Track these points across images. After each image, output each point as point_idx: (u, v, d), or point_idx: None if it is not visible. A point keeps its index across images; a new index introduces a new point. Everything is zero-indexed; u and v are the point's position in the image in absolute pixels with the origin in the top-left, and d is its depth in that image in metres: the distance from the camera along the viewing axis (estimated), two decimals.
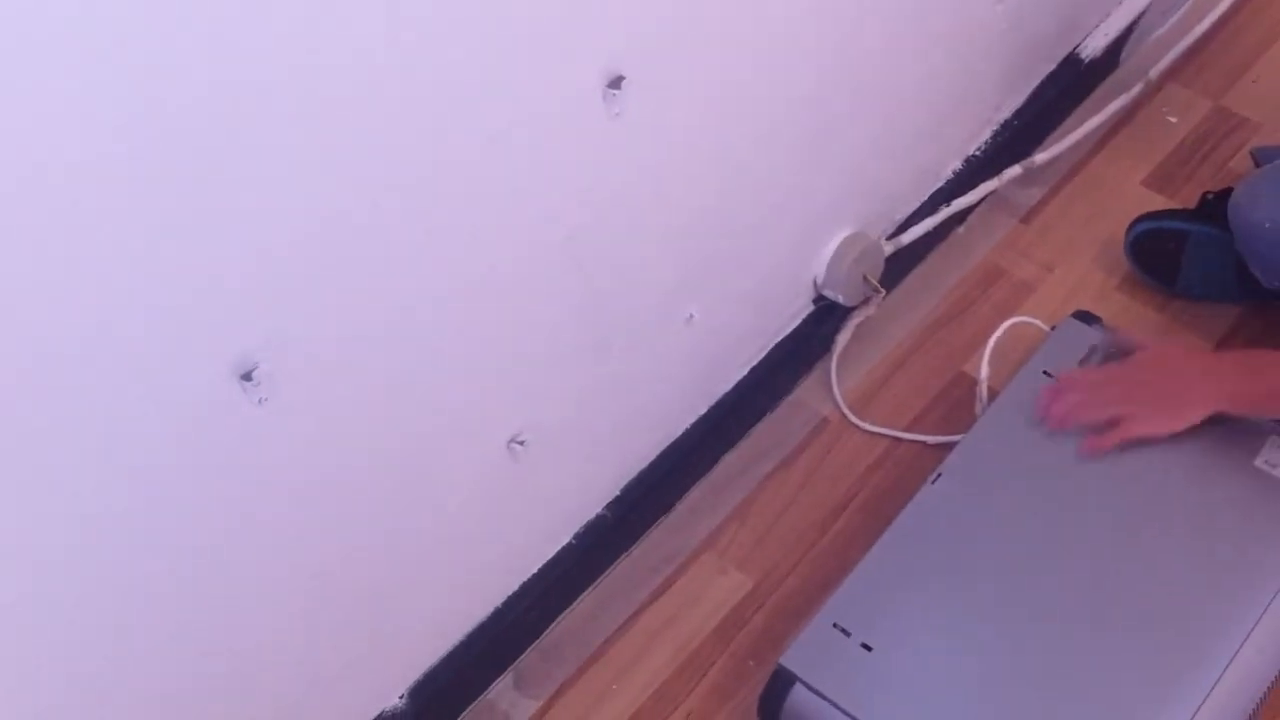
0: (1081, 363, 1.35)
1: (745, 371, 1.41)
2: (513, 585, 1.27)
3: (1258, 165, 1.56)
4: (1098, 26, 1.67)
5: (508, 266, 1.02)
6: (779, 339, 1.44)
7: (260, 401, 0.86)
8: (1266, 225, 1.35)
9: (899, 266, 1.53)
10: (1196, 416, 1.20)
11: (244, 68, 0.72)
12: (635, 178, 1.09)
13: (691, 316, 1.28)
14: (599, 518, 1.31)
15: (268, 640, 1.01)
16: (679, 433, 1.37)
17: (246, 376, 0.84)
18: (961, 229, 1.60)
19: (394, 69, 0.81)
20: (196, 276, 0.77)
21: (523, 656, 1.32)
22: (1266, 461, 1.25)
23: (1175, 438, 1.24)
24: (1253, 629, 1.16)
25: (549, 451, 1.18)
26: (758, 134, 1.21)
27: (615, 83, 1.01)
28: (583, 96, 0.99)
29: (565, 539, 1.29)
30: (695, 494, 1.42)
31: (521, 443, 1.14)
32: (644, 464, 1.34)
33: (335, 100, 0.79)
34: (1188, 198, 1.55)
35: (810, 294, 1.45)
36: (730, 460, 1.44)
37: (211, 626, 0.95)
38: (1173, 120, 1.69)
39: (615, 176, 1.07)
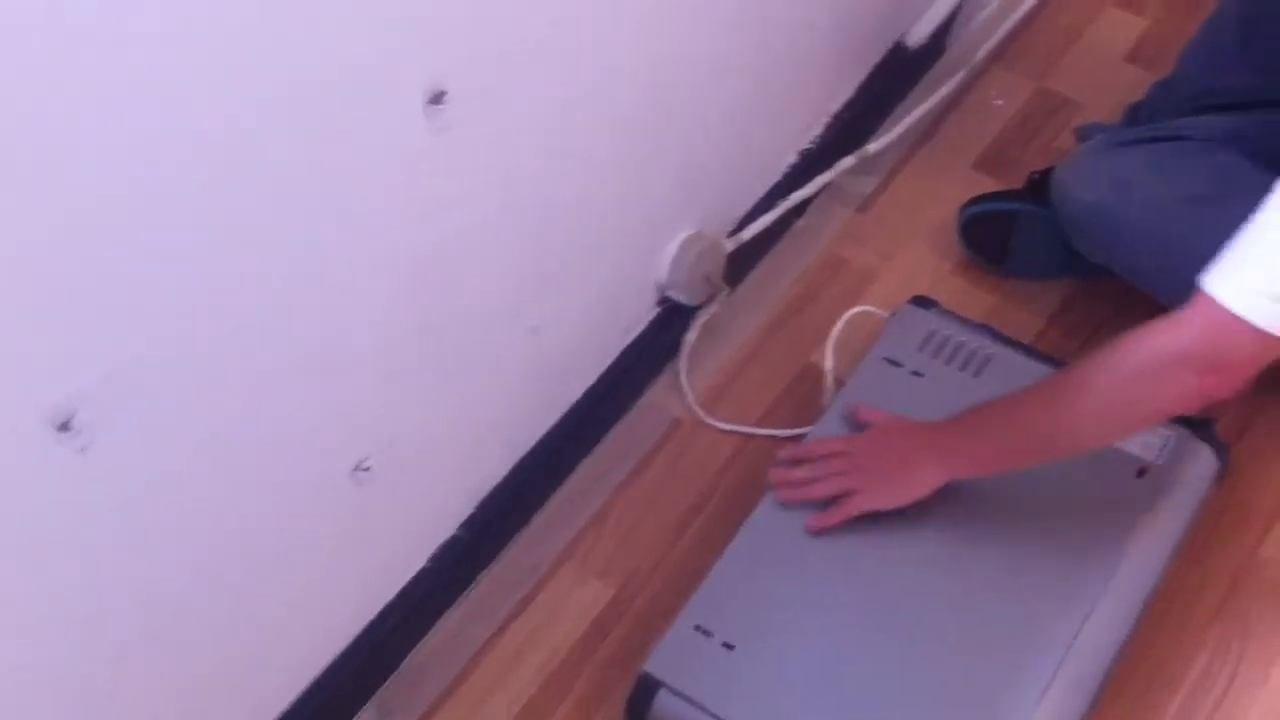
0: (920, 348, 1.40)
1: (594, 378, 1.43)
2: (369, 615, 1.26)
3: (1082, 141, 1.63)
4: (922, 14, 1.73)
5: (342, 288, 1.02)
6: (626, 343, 1.46)
7: (82, 450, 0.85)
8: (1086, 201, 1.42)
9: (742, 262, 1.57)
10: (924, 489, 1.23)
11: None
12: (467, 192, 1.10)
13: (535, 327, 1.29)
14: (454, 538, 1.32)
15: (101, 689, 0.99)
16: (531, 445, 1.38)
17: (64, 427, 0.83)
18: (801, 221, 1.65)
19: (210, 92, 0.81)
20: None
21: (385, 686, 1.32)
22: None
23: None
24: (1097, 602, 1.22)
25: (397, 475, 1.18)
26: (589, 141, 1.23)
27: (437, 98, 1.01)
28: (405, 114, 0.99)
29: (420, 563, 1.29)
30: (552, 505, 1.43)
31: (367, 469, 1.14)
32: (497, 479, 1.35)
33: (151, 129, 0.78)
34: (1017, 179, 1.62)
35: (654, 296, 1.47)
36: (585, 468, 1.46)
37: (34, 682, 0.93)
38: (999, 103, 1.76)
39: (447, 191, 1.08)
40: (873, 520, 1.26)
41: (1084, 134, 1.65)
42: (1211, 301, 1.04)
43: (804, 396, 1.49)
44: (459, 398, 1.23)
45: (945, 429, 1.24)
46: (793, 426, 1.46)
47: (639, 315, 1.47)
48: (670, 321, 1.50)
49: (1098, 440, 1.21)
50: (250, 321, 0.94)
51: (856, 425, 1.34)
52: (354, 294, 1.03)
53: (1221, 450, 1.33)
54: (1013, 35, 1.81)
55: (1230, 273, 1.05)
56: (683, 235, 1.45)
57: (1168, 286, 1.41)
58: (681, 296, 1.48)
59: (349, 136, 0.95)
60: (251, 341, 0.95)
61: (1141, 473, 1.29)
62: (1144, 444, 1.30)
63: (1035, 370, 1.37)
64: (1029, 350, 1.42)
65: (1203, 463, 1.31)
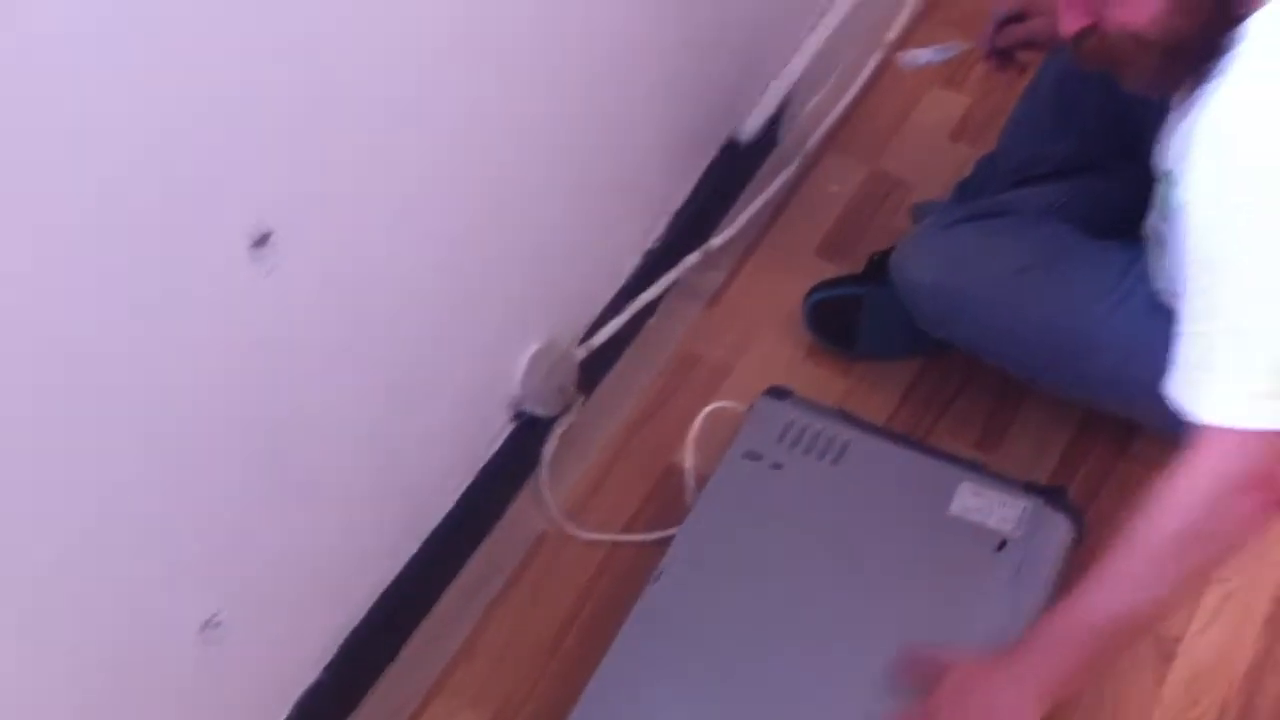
0: (779, 439, 1.42)
1: (453, 501, 1.42)
2: None
3: (918, 221, 1.69)
4: (752, 108, 1.78)
5: (176, 441, 1.00)
6: (483, 462, 1.45)
7: None
8: (924, 282, 1.47)
9: (595, 368, 1.58)
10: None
11: None
12: (302, 330, 1.10)
13: (391, 454, 1.28)
14: (317, 683, 1.28)
15: None
16: (392, 577, 1.36)
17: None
18: (651, 322, 1.67)
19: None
20: None
21: None
22: (961, 509, 1.35)
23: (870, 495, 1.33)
24: None
25: (250, 625, 1.15)
26: (427, 266, 1.23)
27: (262, 240, 1.01)
28: (229, 257, 0.99)
29: (282, 714, 1.26)
30: (419, 637, 1.41)
31: (217, 624, 1.11)
32: (359, 617, 1.33)
33: None
34: (859, 262, 1.67)
35: (509, 412, 1.47)
36: (451, 594, 1.44)
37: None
38: (835, 189, 1.81)
39: (279, 331, 1.07)
40: (743, 616, 1.27)
41: (918, 213, 1.71)
42: (1210, 429, 1.06)
43: (668, 498, 1.50)
44: (311, 536, 1.21)
45: (1023, 657, 1.14)
46: (659, 529, 1.46)
47: (495, 432, 1.47)
48: (527, 435, 1.50)
49: (1180, 599, 1.19)
50: (88, 478, 0.92)
51: (923, 677, 1.21)
52: (189, 440, 1.02)
53: (1077, 516, 1.37)
54: (842, 122, 1.87)
55: (1210, 391, 1.07)
56: (533, 348, 1.46)
57: (1012, 357, 1.47)
58: (537, 409, 1.49)
59: (172, 283, 0.94)
60: (87, 500, 0.93)
61: (1001, 546, 1.32)
62: (1001, 518, 1.34)
63: (892, 452, 1.41)
64: (884, 432, 1.46)
65: (1060, 530, 1.35)
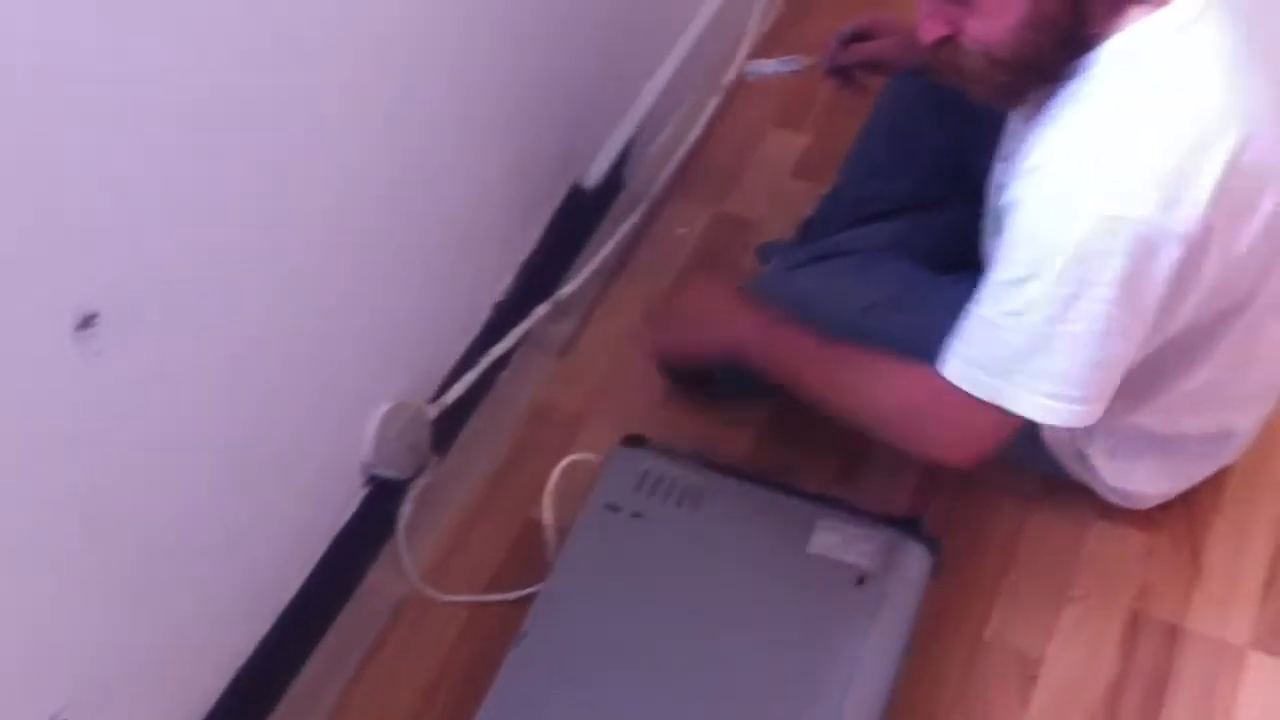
0: (636, 488, 1.42)
1: (307, 574, 1.39)
2: None
3: (764, 262, 1.71)
4: (595, 155, 1.78)
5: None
6: (337, 530, 1.42)
7: None
8: None
9: (449, 426, 1.56)
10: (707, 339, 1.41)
11: None
12: (131, 413, 1.06)
13: (233, 534, 1.24)
14: None
15: None
16: (247, 656, 1.32)
17: None
18: (504, 375, 1.66)
19: None
20: None
21: None
22: (820, 546, 1.37)
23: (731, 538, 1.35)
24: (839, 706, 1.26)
25: None
26: (264, 337, 1.21)
27: (87, 322, 0.98)
28: (51, 340, 0.96)
29: None
30: (278, 717, 1.37)
31: None
32: (212, 701, 1.29)
33: None
34: None
35: (361, 478, 1.44)
36: (311, 669, 1.41)
37: None
38: (682, 232, 1.83)
39: (106, 417, 1.04)
40: (611, 669, 1.27)
41: (764, 254, 1.73)
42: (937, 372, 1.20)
43: (529, 554, 1.49)
44: (147, 629, 1.16)
45: (753, 319, 1.37)
46: (522, 587, 1.45)
47: (346, 500, 1.44)
48: (382, 499, 1.47)
49: (819, 400, 1.32)
50: None
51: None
52: (22, 538, 0.98)
53: (934, 545, 1.40)
54: (686, 164, 1.89)
55: (954, 353, 1.20)
56: (383, 409, 1.44)
57: None
58: (390, 472, 1.46)
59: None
60: None
61: (861, 580, 1.34)
62: (860, 552, 1.36)
63: (751, 494, 1.42)
64: (742, 473, 1.46)
65: (918, 560, 1.37)
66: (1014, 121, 1.29)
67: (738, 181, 1.89)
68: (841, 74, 1.54)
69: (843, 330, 1.43)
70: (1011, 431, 1.21)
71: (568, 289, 1.70)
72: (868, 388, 1.28)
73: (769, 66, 1.65)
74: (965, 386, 1.19)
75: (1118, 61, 1.13)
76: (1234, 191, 1.12)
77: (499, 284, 1.65)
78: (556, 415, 1.63)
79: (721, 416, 1.62)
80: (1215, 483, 1.50)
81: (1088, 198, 1.10)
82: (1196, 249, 1.12)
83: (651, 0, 1.81)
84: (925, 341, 1.40)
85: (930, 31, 1.18)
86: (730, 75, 1.95)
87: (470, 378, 1.57)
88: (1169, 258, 1.11)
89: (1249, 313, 1.28)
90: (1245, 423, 1.44)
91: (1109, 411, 1.20)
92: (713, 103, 1.93)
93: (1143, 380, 1.27)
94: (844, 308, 1.44)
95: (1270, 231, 1.20)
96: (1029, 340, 1.15)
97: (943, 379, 1.20)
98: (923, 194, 1.56)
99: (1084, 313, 1.12)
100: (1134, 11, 1.13)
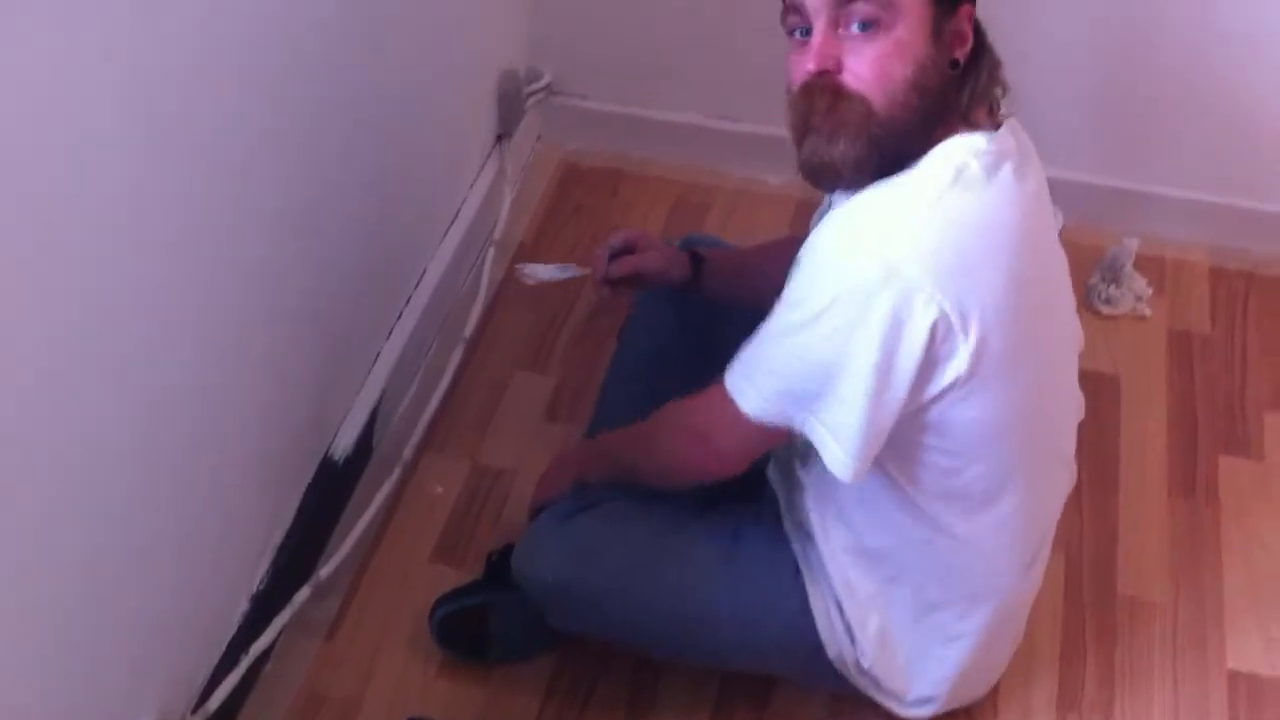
0: None
1: None
2: None
3: (532, 518, 1.69)
4: (341, 424, 1.76)
5: None
6: None
7: None
8: (549, 580, 1.48)
9: None
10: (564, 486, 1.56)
11: None
12: None
13: None
14: None
15: None
16: None
17: None
18: (269, 668, 1.59)
19: None
20: None
21: None
22: None
23: None
24: None
25: None
26: (9, 659, 1.13)
27: None
28: None
29: None
30: None
31: None
32: None
33: None
34: (477, 561, 1.67)
35: None
36: None
37: None
38: (440, 490, 1.82)
39: None
40: None
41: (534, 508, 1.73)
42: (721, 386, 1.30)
43: None
44: None
45: (583, 449, 1.62)
46: None
47: None
48: None
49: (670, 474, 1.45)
50: None
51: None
52: None
53: None
54: (436, 421, 1.89)
55: (735, 373, 1.30)
56: None
57: (645, 641, 1.51)
58: None
59: None
60: None
61: None
62: None
63: None
64: None
65: None
66: (821, 208, 1.39)
67: (491, 430, 1.89)
68: (611, 284, 1.61)
69: (616, 580, 1.46)
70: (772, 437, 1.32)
71: (327, 568, 1.65)
72: (664, 434, 1.43)
73: (543, 272, 1.71)
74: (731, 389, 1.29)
75: (932, 162, 1.21)
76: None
77: (255, 573, 1.59)
78: (329, 702, 1.57)
79: (505, 678, 1.60)
80: None
81: (875, 241, 1.17)
82: (956, 338, 1.18)
83: (382, 260, 1.83)
84: (691, 588, 1.45)
85: (820, 61, 1.20)
86: (469, 329, 1.98)
87: (234, 678, 1.49)
88: (926, 322, 1.16)
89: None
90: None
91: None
92: (455, 355, 1.95)
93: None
94: (617, 557, 1.48)
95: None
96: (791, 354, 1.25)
97: (720, 391, 1.30)
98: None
99: (848, 353, 1.19)
100: (961, 128, 1.22)
